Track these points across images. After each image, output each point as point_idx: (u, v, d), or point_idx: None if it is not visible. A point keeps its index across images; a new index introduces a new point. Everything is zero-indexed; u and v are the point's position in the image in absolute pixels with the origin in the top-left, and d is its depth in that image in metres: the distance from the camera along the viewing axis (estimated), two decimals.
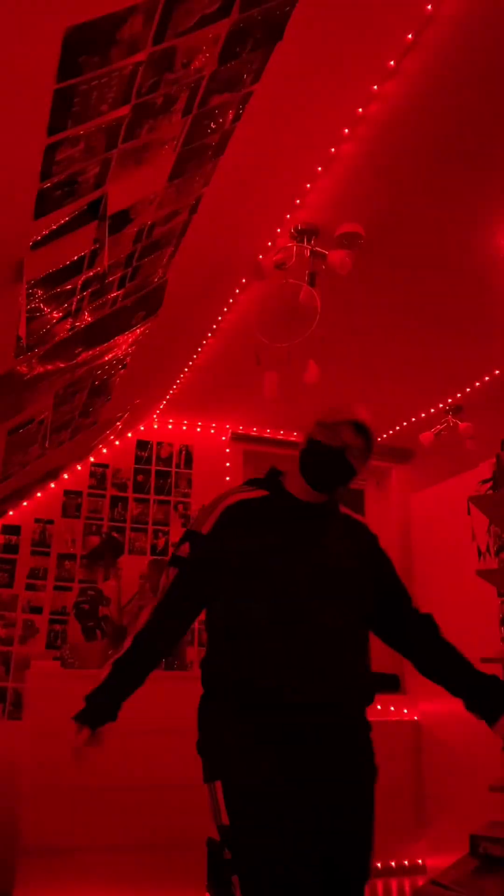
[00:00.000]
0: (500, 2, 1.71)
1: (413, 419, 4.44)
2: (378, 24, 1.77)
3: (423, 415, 4.35)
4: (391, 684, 4.50)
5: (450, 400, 4.11)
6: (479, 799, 3.13)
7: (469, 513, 3.79)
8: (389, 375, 3.83)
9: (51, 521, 4.17)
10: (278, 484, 1.92)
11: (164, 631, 1.89)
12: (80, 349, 2.41)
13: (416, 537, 4.75)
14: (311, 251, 2.56)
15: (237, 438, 4.71)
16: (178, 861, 2.96)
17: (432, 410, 4.27)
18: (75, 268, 1.88)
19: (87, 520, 4.26)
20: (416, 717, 4.42)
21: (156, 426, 4.56)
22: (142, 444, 4.51)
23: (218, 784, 1.67)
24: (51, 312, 1.98)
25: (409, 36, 1.80)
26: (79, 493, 4.28)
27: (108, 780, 3.28)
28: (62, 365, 2.40)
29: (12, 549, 4.05)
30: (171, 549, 4.33)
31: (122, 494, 4.37)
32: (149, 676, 1.88)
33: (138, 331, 2.79)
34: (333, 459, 1.83)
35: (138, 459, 4.47)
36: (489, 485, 3.43)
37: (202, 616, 1.90)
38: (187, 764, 1.79)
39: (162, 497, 4.45)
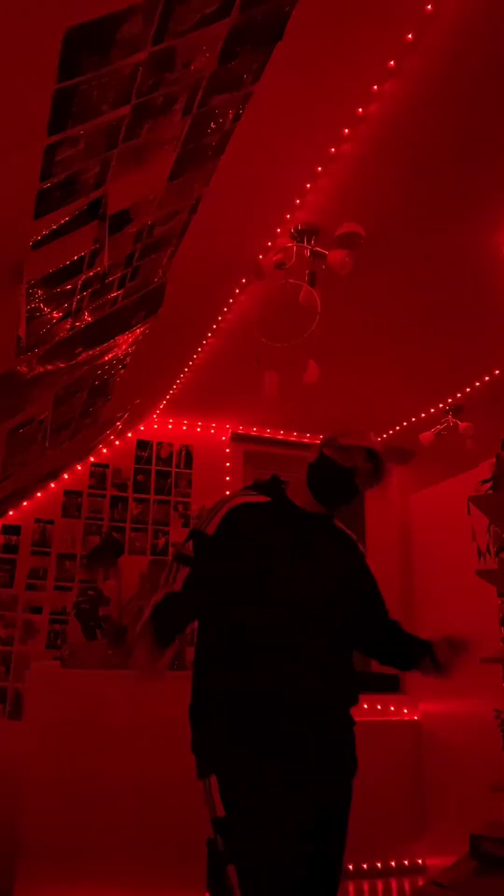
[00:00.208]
0: (500, 2, 1.71)
1: (413, 419, 4.44)
2: (378, 25, 1.77)
3: (423, 415, 4.35)
4: (389, 685, 4.50)
5: (450, 400, 4.11)
6: (479, 799, 3.13)
7: (469, 513, 3.79)
8: (389, 375, 3.83)
9: (51, 521, 4.17)
10: (282, 492, 1.99)
11: (173, 616, 1.88)
12: (80, 349, 2.41)
13: (416, 537, 4.76)
14: (311, 251, 2.56)
15: (237, 438, 4.71)
16: (178, 861, 2.96)
17: (432, 410, 4.27)
18: (75, 268, 1.88)
19: (87, 520, 4.26)
20: (416, 717, 4.42)
21: (156, 426, 4.56)
22: (142, 444, 4.51)
23: (213, 778, 1.72)
24: (51, 312, 1.98)
25: (409, 36, 1.80)
26: (79, 493, 4.28)
27: (108, 780, 3.28)
28: (62, 365, 2.40)
29: (12, 549, 4.05)
30: (171, 549, 4.33)
31: (122, 494, 4.37)
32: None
33: (138, 331, 2.79)
34: (342, 479, 1.94)
35: (138, 459, 4.47)
36: (489, 485, 3.43)
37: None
38: (188, 764, 1.82)
39: (162, 497, 4.45)
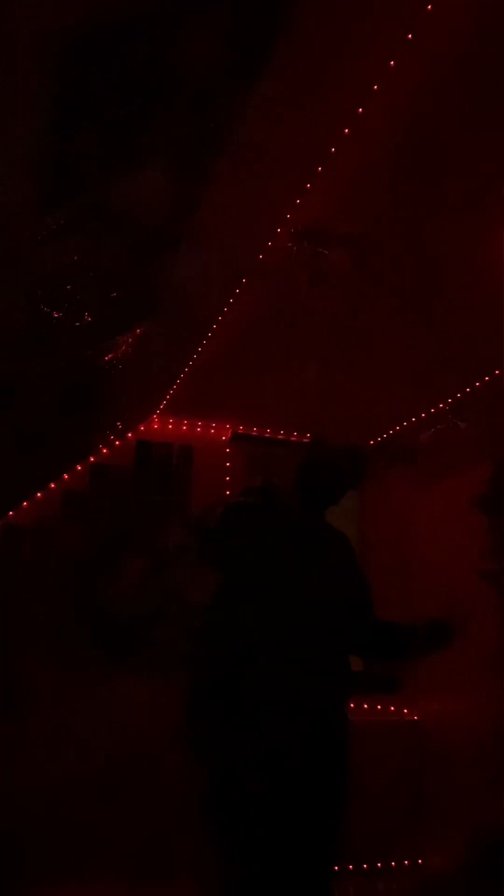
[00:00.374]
0: (500, 2, 1.71)
1: (413, 419, 4.44)
2: (378, 25, 1.77)
3: (423, 415, 4.35)
4: (390, 686, 4.50)
5: (450, 400, 4.11)
6: (479, 799, 3.13)
7: (469, 513, 3.79)
8: (390, 375, 3.83)
9: (51, 522, 4.16)
10: (273, 497, 2.07)
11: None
12: (80, 349, 2.41)
13: (416, 537, 4.75)
14: (311, 251, 2.56)
15: (237, 438, 4.71)
16: (178, 860, 2.97)
17: (432, 410, 4.27)
18: (75, 267, 1.88)
19: (87, 520, 4.25)
20: (416, 717, 4.42)
21: (156, 426, 4.55)
22: (142, 444, 4.50)
23: (206, 772, 1.82)
24: (51, 312, 1.98)
25: (409, 36, 1.81)
26: (79, 493, 4.27)
27: (108, 780, 3.28)
28: (62, 364, 2.40)
29: (12, 548, 4.04)
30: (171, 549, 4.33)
31: (122, 494, 4.36)
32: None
33: (138, 331, 2.79)
34: (329, 480, 2.04)
35: (138, 459, 4.46)
36: (489, 485, 3.43)
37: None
38: (188, 764, 1.84)
39: (162, 497, 4.45)
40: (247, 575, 1.88)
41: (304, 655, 1.82)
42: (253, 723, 1.79)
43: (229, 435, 4.69)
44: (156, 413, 4.44)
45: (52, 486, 4.20)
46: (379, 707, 4.39)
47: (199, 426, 4.65)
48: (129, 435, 4.47)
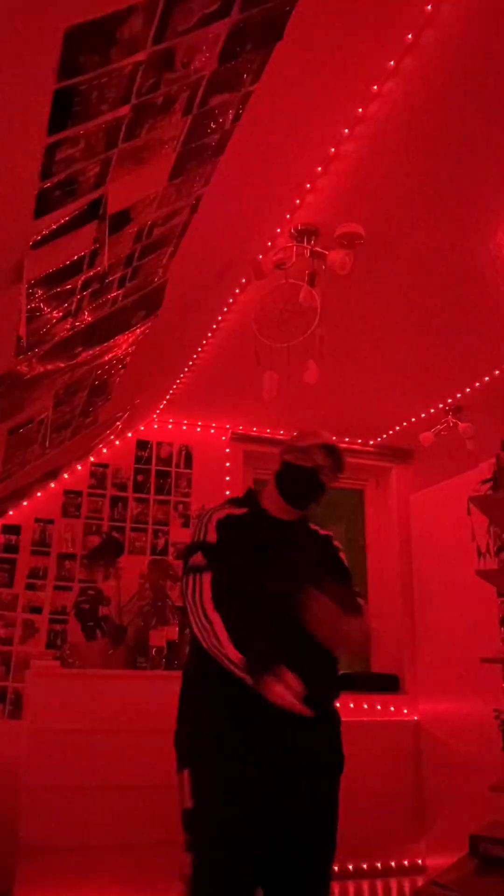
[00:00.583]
0: (499, 1, 1.71)
1: (413, 419, 4.44)
2: (378, 24, 1.77)
3: (423, 415, 4.35)
4: (389, 685, 4.50)
5: (450, 400, 4.11)
6: (479, 799, 3.13)
7: (469, 513, 3.79)
8: (390, 375, 3.83)
9: (51, 521, 4.17)
10: (256, 504, 2.12)
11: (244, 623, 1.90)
12: (80, 349, 2.41)
13: (416, 537, 4.76)
14: (311, 251, 2.56)
15: (237, 438, 4.71)
16: (178, 860, 2.96)
17: (432, 410, 4.27)
18: (75, 268, 1.88)
19: (87, 520, 4.26)
20: (416, 717, 4.42)
21: (156, 426, 4.56)
22: (142, 444, 4.51)
23: (186, 771, 1.85)
24: (51, 312, 1.98)
25: (409, 36, 1.81)
26: (79, 493, 4.28)
27: (108, 780, 3.28)
28: (62, 365, 2.40)
29: (12, 549, 4.05)
30: (171, 549, 4.33)
31: (122, 494, 4.37)
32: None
33: (138, 331, 2.79)
34: (307, 479, 2.07)
35: (138, 459, 4.47)
36: (489, 485, 3.43)
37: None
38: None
39: (162, 497, 4.45)
40: (238, 576, 1.91)
41: (294, 650, 1.83)
42: (238, 725, 1.82)
43: (229, 435, 4.69)
44: (156, 413, 4.44)
45: (53, 485, 4.20)
46: (379, 707, 4.39)
47: (199, 426, 4.65)
48: (129, 435, 4.47)
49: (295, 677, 1.70)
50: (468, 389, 3.95)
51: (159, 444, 4.54)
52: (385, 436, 4.81)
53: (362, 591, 5.04)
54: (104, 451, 4.37)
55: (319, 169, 2.25)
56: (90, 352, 2.52)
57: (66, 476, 4.24)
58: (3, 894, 3.10)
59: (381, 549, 5.04)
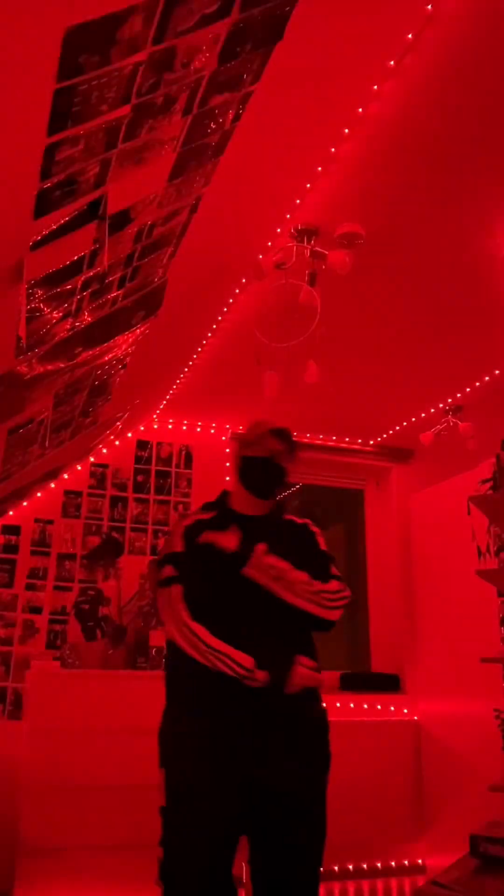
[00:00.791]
0: (500, 1, 1.71)
1: (413, 419, 4.44)
2: (378, 24, 1.77)
3: (423, 415, 4.35)
4: (389, 685, 4.50)
5: (450, 400, 4.11)
6: (479, 799, 3.13)
7: (469, 513, 3.79)
8: (389, 375, 3.83)
9: (51, 521, 4.17)
10: (224, 504, 2.19)
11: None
12: (80, 349, 2.41)
13: (416, 537, 4.76)
14: (311, 251, 2.56)
15: (237, 438, 4.71)
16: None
17: (432, 410, 4.27)
18: (75, 268, 1.87)
19: (87, 520, 4.26)
20: (416, 717, 4.42)
21: (156, 426, 4.56)
22: (142, 444, 4.51)
23: (162, 770, 1.94)
24: (51, 312, 1.98)
25: (409, 36, 1.80)
26: (79, 493, 4.28)
27: (108, 780, 3.28)
28: (62, 365, 2.40)
29: (12, 549, 4.05)
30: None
31: (122, 494, 4.37)
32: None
33: (138, 331, 2.79)
34: (266, 467, 2.13)
35: (138, 459, 4.47)
36: (489, 485, 3.43)
37: None
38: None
39: (162, 497, 4.45)
40: (204, 579, 1.97)
41: (266, 652, 1.88)
42: (208, 724, 1.88)
43: (229, 435, 4.69)
44: (156, 413, 4.44)
45: (53, 485, 4.20)
46: (379, 707, 4.39)
47: (199, 426, 4.65)
48: (129, 435, 4.47)
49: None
50: (468, 389, 3.95)
51: (159, 444, 4.54)
52: (385, 436, 4.81)
53: (362, 585, 5.04)
54: (104, 451, 4.37)
55: (319, 169, 2.25)
56: (90, 352, 2.52)
57: (66, 476, 4.24)
58: (3, 894, 3.10)
59: (381, 549, 5.04)
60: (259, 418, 2.26)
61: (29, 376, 2.25)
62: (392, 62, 1.87)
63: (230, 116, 1.88)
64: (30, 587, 4.02)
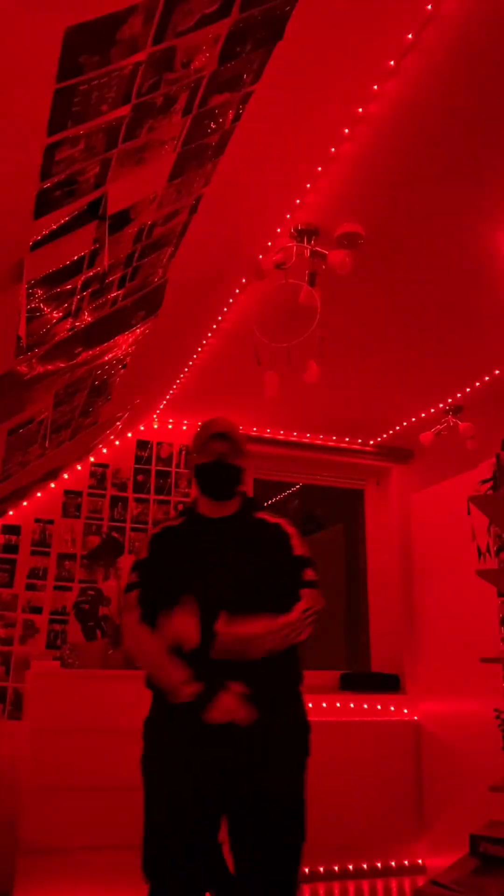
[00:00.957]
0: (500, 1, 1.71)
1: (413, 419, 4.44)
2: (378, 24, 1.77)
3: (423, 415, 4.35)
4: (389, 685, 4.50)
5: (450, 400, 4.12)
6: (479, 799, 3.13)
7: (469, 513, 3.79)
8: (389, 375, 3.83)
9: (51, 521, 4.17)
10: (191, 510, 2.25)
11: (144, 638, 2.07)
12: (80, 349, 2.41)
13: (416, 537, 4.76)
14: (311, 251, 2.56)
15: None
16: None
17: (432, 410, 4.27)
18: (75, 268, 1.88)
19: (87, 520, 4.26)
20: (416, 717, 4.42)
21: (156, 426, 4.56)
22: (142, 444, 4.51)
23: (141, 765, 2.01)
24: (51, 312, 1.98)
25: (409, 36, 1.80)
26: (79, 493, 4.28)
27: (108, 780, 3.28)
28: (62, 365, 2.40)
29: (12, 549, 4.05)
30: None
31: (122, 494, 4.37)
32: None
33: (138, 331, 2.79)
34: (217, 470, 2.19)
35: (138, 459, 4.47)
36: (489, 485, 3.43)
37: None
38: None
39: (162, 497, 4.45)
40: (170, 582, 2.03)
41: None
42: (178, 718, 1.94)
43: None
44: (156, 413, 4.44)
45: (53, 485, 4.20)
46: (379, 707, 4.39)
47: (198, 426, 4.64)
48: (129, 435, 4.47)
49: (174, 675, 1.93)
50: (468, 389, 3.95)
51: (159, 444, 4.54)
52: (385, 436, 4.81)
53: (362, 585, 5.04)
54: (104, 451, 4.37)
55: (319, 169, 2.25)
56: (90, 352, 2.52)
57: (66, 476, 4.24)
58: (3, 894, 3.10)
59: (381, 549, 5.04)
60: (206, 419, 2.33)
61: (29, 376, 2.25)
62: (392, 62, 1.87)
63: (230, 116, 1.88)
64: (30, 587, 4.03)
